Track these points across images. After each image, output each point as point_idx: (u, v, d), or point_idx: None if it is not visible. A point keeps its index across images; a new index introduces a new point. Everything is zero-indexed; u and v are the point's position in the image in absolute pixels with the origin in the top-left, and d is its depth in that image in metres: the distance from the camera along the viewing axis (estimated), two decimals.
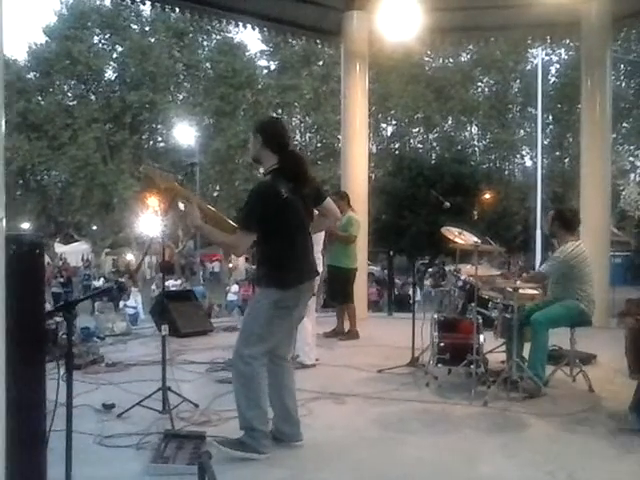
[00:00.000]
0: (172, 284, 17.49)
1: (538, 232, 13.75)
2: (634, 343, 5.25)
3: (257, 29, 9.87)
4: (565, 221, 4.94)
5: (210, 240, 3.52)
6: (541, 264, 6.74)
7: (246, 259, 31.24)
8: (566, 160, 25.85)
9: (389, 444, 3.57)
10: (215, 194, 28.17)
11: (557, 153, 25.20)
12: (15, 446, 2.11)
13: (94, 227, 29.81)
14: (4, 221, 1.85)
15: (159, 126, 27.61)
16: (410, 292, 16.82)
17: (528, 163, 27.30)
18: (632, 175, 25.37)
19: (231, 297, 18.92)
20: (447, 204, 5.48)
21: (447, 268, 5.73)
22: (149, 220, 27.26)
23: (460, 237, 5.14)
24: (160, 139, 28.29)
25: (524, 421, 4.01)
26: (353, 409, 4.22)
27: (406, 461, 3.31)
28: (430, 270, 19.96)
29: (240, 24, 9.24)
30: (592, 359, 5.56)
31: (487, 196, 22.82)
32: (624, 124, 24.10)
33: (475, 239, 5.07)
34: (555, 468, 3.18)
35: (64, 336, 4.65)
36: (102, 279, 24.05)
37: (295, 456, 3.33)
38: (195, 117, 25.19)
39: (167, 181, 3.44)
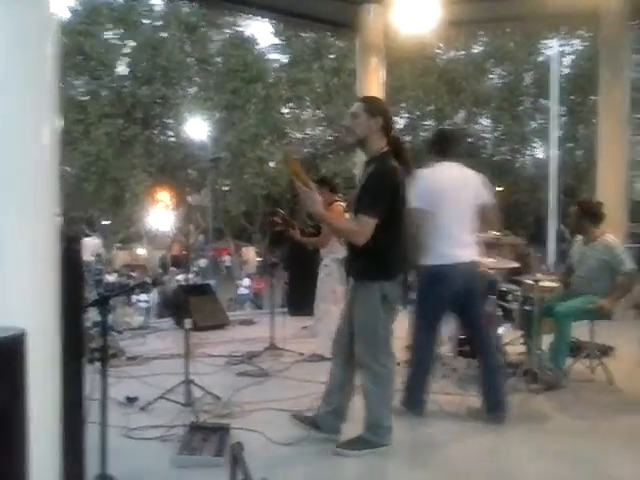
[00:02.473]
0: (183, 278, 17.54)
1: (551, 224, 13.68)
2: None
3: (271, 22, 9.90)
4: (592, 215, 4.90)
5: (331, 227, 3.36)
6: (559, 257, 6.71)
7: (256, 253, 31.37)
8: (578, 152, 25.65)
9: (408, 435, 3.59)
10: (225, 188, 28.18)
11: (570, 145, 24.99)
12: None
13: (106, 222, 29.97)
14: (59, 218, 1.91)
15: (171, 121, 27.65)
16: None
17: (540, 155, 27.14)
18: None
19: (242, 291, 18.98)
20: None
21: None
22: (161, 215, 27.42)
23: None
24: (172, 134, 28.29)
25: (545, 413, 4.02)
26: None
27: (427, 452, 3.34)
28: None
29: (254, 17, 9.25)
30: (610, 351, 5.55)
31: (499, 188, 22.72)
32: (638, 115, 23.84)
33: (494, 232, 5.07)
34: (579, 461, 3.20)
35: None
36: (115, 274, 24.18)
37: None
38: (206, 111, 25.19)
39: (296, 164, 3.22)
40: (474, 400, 4.23)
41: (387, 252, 3.13)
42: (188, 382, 4.07)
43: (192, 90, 28.02)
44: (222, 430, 3.45)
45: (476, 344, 4.01)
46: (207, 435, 3.37)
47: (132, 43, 27.18)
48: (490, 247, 5.34)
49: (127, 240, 31.57)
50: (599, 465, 3.13)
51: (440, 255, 3.72)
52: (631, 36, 8.73)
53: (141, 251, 31.23)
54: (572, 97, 24.46)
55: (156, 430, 3.57)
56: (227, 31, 27.72)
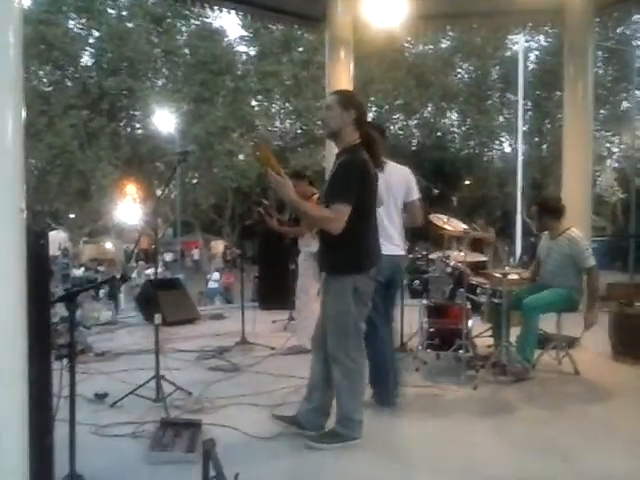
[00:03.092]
0: (152, 272, 17.34)
1: (518, 217, 13.91)
2: (618, 327, 5.39)
3: (238, 15, 9.77)
4: (553, 211, 4.99)
5: (305, 214, 3.29)
6: (526, 250, 6.82)
7: (225, 247, 31.22)
8: (544, 146, 26.06)
9: (384, 429, 3.61)
10: (194, 181, 27.93)
11: (536, 139, 25.38)
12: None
13: (72, 215, 29.43)
14: (25, 213, 1.86)
15: (137, 113, 27.22)
16: None
17: (507, 149, 27.51)
18: (608, 161, 25.64)
19: (212, 285, 18.85)
20: (436, 191, 5.52)
21: (434, 255, 5.75)
22: (128, 208, 27.05)
23: (449, 224, 5.18)
24: (139, 126, 27.88)
25: (514, 404, 4.08)
26: None
27: (403, 445, 3.36)
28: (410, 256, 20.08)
29: (223, 9, 9.11)
30: (576, 342, 5.66)
31: (467, 182, 23.02)
32: (601, 111, 24.30)
33: (464, 226, 5.13)
34: (548, 449, 3.26)
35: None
36: (82, 268, 23.80)
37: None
38: (174, 104, 24.87)
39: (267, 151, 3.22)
40: (446, 392, 4.31)
41: (359, 244, 3.14)
42: (159, 378, 4.02)
43: (159, 82, 27.63)
44: (194, 426, 3.41)
45: (380, 334, 3.89)
46: (178, 431, 3.34)
47: (97, 33, 26.65)
48: (460, 241, 5.42)
49: (94, 234, 31.08)
50: (568, 454, 3.18)
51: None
52: (595, 33, 8.87)
53: (108, 245, 30.79)
54: (538, 92, 24.80)
55: (126, 427, 3.52)
56: (195, 22, 27.39)
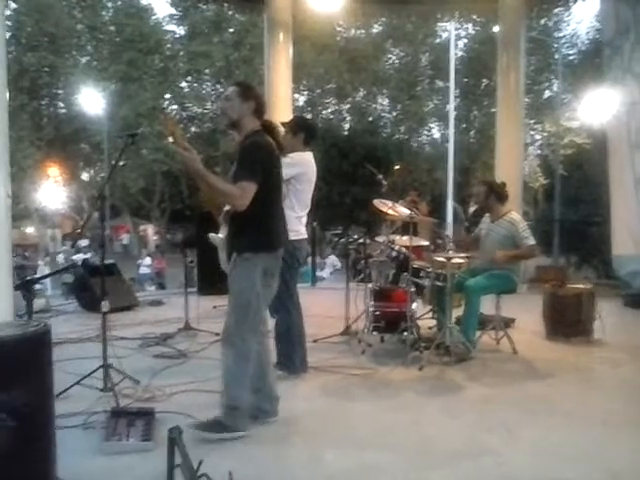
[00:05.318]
0: (81, 257, 16.76)
1: (449, 203, 14.31)
2: (551, 308, 5.67)
3: None
4: (499, 194, 5.19)
5: (211, 187, 3.20)
6: (454, 234, 7.03)
7: (156, 232, 30.57)
8: (472, 133, 26.76)
9: (338, 411, 3.67)
10: (122, 163, 27.07)
11: (464, 126, 26.03)
12: None
13: None
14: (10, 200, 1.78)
15: (61, 91, 26.09)
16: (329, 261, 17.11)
17: (436, 135, 28.08)
18: (531, 148, 26.64)
19: (143, 270, 18.39)
20: (380, 177, 5.60)
21: (380, 239, 5.85)
22: (51, 191, 26.00)
23: (393, 209, 5.26)
24: (62, 105, 26.72)
25: (460, 383, 4.23)
26: (295, 379, 4.27)
27: (357, 427, 3.42)
28: (342, 241, 20.30)
29: None
30: (511, 323, 5.92)
31: (398, 167, 23.36)
32: (525, 99, 25.20)
33: (408, 211, 5.23)
34: (494, 425, 3.40)
35: None
36: None
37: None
38: (101, 83, 23.97)
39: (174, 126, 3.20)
40: (393, 374, 4.42)
41: (267, 225, 3.19)
42: (107, 366, 3.92)
43: (84, 60, 26.53)
44: (147, 414, 3.35)
45: (294, 299, 4.30)
46: (131, 420, 3.27)
47: (14, 5, 25.25)
48: (405, 226, 5.53)
49: (14, 218, 29.59)
50: (513, 428, 3.34)
51: (297, 231, 4.15)
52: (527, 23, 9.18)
53: (30, 230, 29.51)
54: (466, 79, 25.40)
55: (75, 418, 3.41)
56: None
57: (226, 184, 3.16)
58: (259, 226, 3.15)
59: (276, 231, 3.27)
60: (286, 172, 4.06)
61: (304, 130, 4.38)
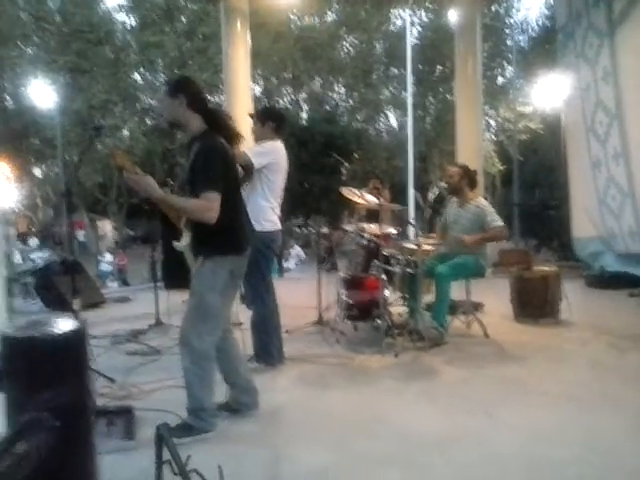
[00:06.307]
0: (38, 256, 16.36)
1: (410, 190, 14.41)
2: (518, 290, 5.79)
3: None
4: (471, 179, 5.27)
5: (178, 209, 3.13)
6: (416, 220, 7.12)
7: (113, 226, 29.95)
8: (428, 120, 26.99)
9: (319, 401, 3.68)
10: (76, 158, 26.41)
11: (419, 113, 26.22)
12: None
13: None
14: None
15: (6, 84, 25.20)
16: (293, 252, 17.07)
17: (393, 123, 28.21)
18: (487, 134, 27.04)
19: (104, 267, 18.00)
20: (347, 164, 5.60)
21: (349, 227, 5.88)
22: (1, 188, 25.17)
23: (362, 197, 5.28)
24: (9, 98, 25.82)
25: (435, 368, 4.30)
26: (273, 370, 4.27)
27: (340, 416, 3.43)
28: (303, 230, 20.30)
29: None
30: (480, 307, 6.03)
31: (356, 156, 23.42)
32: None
33: (376, 200, 5.25)
34: (474, 408, 3.47)
35: None
36: None
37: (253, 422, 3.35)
38: (50, 75, 23.22)
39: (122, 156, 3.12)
40: (369, 361, 4.45)
41: (233, 227, 3.12)
42: None
43: (30, 50, 25.65)
44: (126, 412, 3.30)
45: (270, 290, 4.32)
46: (111, 419, 3.21)
47: None
48: (374, 214, 5.55)
49: None
50: (494, 409, 3.41)
51: (272, 222, 4.19)
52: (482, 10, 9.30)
53: None
54: (420, 67, 25.56)
55: None
56: None
57: (189, 201, 3.05)
58: (225, 230, 3.05)
59: (243, 232, 3.21)
60: (258, 161, 4.05)
61: (272, 119, 4.35)
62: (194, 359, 3.10)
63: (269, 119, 4.33)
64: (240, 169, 3.72)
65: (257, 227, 3.96)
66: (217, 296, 3.10)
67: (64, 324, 2.12)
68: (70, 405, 1.91)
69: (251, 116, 4.46)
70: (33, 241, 24.61)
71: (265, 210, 4.12)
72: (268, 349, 4.28)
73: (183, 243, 3.30)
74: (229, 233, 3.10)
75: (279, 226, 4.29)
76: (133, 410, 3.34)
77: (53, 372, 1.94)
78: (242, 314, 4.95)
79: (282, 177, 4.29)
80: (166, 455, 2.18)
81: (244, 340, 3.91)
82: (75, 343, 1.81)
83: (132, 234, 30.29)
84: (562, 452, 2.84)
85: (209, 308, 3.09)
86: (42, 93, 22.11)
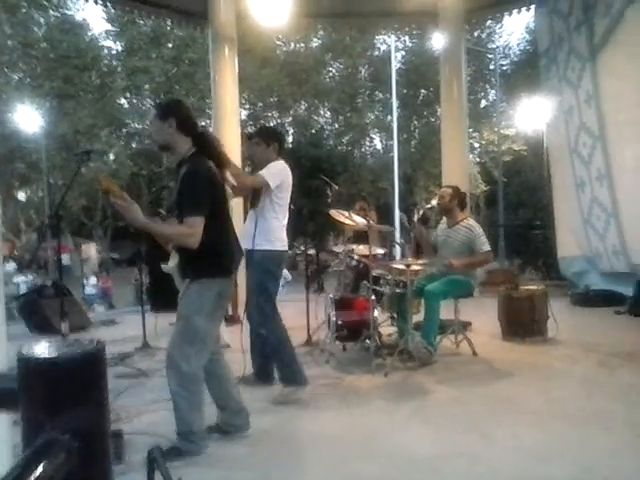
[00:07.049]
0: (22, 280, 16.15)
1: (396, 211, 14.52)
2: (506, 309, 5.82)
3: (108, 6, 9.26)
4: (461, 200, 5.33)
5: (161, 236, 3.16)
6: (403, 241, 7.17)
7: (97, 250, 29.76)
8: (413, 143, 27.26)
9: (310, 422, 3.65)
10: (62, 182, 26.31)
11: (404, 136, 26.50)
12: None
13: None
14: None
15: None
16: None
17: (378, 146, 28.46)
18: (470, 156, 27.34)
19: (90, 290, 17.79)
20: (336, 187, 5.65)
21: (338, 249, 5.90)
22: None
23: (350, 219, 5.31)
24: None
25: (426, 387, 4.29)
26: (264, 392, 4.23)
27: (332, 437, 3.41)
28: (290, 252, 20.32)
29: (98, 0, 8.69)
30: (468, 326, 6.05)
31: (342, 178, 23.56)
32: None
33: (364, 221, 5.28)
34: (466, 427, 3.46)
35: None
36: None
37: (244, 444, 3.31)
38: (36, 100, 23.23)
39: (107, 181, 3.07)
40: (360, 381, 4.44)
41: (220, 249, 3.11)
42: None
43: (16, 76, 25.68)
44: (115, 436, 3.25)
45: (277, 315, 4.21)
46: None
47: None
48: (362, 235, 5.59)
49: None
50: (488, 429, 3.40)
51: (283, 241, 4.15)
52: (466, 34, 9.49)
53: None
54: (404, 90, 25.90)
55: None
56: (54, 14, 25.72)
57: (172, 227, 3.08)
58: (212, 252, 3.04)
59: (230, 254, 3.19)
60: (275, 183, 4.05)
61: (277, 140, 4.34)
62: (181, 382, 3.07)
63: (274, 140, 4.31)
64: (229, 189, 3.73)
65: (268, 246, 3.98)
66: (204, 318, 3.08)
67: (83, 344, 2.10)
68: (89, 427, 1.88)
69: (249, 137, 4.45)
70: (10, 265, 24.25)
71: (277, 229, 4.10)
72: (291, 367, 4.11)
73: (171, 265, 3.29)
74: (216, 255, 3.09)
75: (287, 246, 4.26)
76: (122, 434, 3.30)
77: (73, 392, 1.92)
78: (226, 334, 4.94)
79: (288, 196, 4.25)
80: (157, 478, 2.16)
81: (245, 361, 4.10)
82: (96, 362, 1.79)
83: (116, 257, 30.05)
84: (554, 470, 2.84)
85: (196, 331, 3.07)
86: (28, 118, 22.10)
